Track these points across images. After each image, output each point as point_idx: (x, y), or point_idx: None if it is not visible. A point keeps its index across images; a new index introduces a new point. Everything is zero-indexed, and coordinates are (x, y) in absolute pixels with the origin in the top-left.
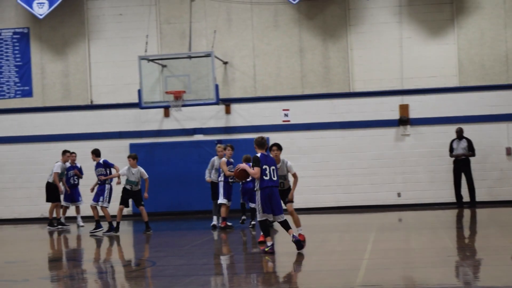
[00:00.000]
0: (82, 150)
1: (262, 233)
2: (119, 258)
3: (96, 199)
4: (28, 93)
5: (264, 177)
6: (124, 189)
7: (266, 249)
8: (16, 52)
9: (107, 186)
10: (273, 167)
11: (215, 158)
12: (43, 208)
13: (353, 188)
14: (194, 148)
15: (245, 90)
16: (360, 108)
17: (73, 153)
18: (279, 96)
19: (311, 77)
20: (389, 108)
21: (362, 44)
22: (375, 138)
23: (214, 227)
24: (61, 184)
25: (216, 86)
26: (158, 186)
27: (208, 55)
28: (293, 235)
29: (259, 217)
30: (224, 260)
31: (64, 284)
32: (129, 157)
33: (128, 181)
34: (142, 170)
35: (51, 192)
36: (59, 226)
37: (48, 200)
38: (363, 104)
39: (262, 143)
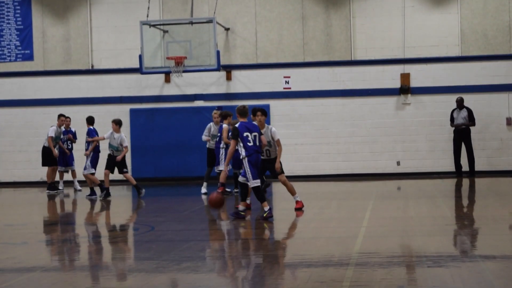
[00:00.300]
0: (82, 115)
1: (241, 200)
2: (118, 223)
3: (84, 167)
4: (29, 57)
5: (248, 143)
6: (109, 154)
7: (264, 215)
8: (18, 15)
9: (92, 154)
10: (255, 133)
11: (211, 124)
12: (43, 172)
13: (353, 156)
14: (195, 114)
15: (247, 56)
16: (361, 76)
17: (68, 117)
18: (281, 63)
19: (313, 45)
20: (390, 77)
21: (365, 12)
22: (376, 106)
23: (206, 194)
24: (57, 148)
25: (218, 52)
26: (158, 152)
27: (210, 21)
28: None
29: (251, 184)
30: (222, 226)
31: (62, 247)
32: (112, 121)
33: (110, 146)
34: (124, 137)
35: (47, 156)
36: (56, 190)
37: (44, 164)
38: (365, 72)
39: (243, 112)
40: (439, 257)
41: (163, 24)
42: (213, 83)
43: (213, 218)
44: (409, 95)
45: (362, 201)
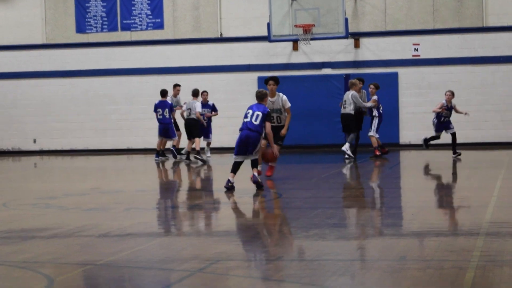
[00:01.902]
0: (211, 83)
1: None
2: (245, 189)
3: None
4: (160, 26)
5: (244, 119)
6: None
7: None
8: None
9: None
10: (258, 113)
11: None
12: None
13: (484, 124)
14: (322, 82)
15: (375, 24)
16: (493, 43)
17: (205, 92)
18: (410, 30)
19: (443, 11)
20: None
21: None
22: (508, 74)
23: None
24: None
25: (346, 20)
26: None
27: None
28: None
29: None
30: (350, 193)
31: (191, 213)
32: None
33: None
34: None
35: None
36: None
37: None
38: (497, 39)
39: (259, 96)
40: None
41: None
42: (341, 50)
43: (342, 186)
44: None
45: (493, 170)
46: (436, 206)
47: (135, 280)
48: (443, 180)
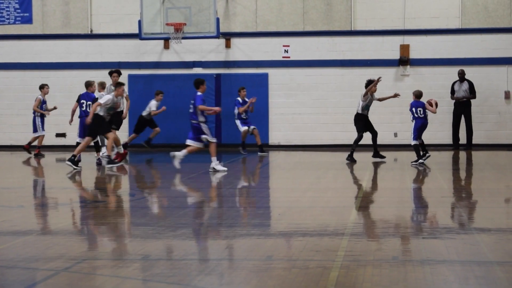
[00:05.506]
0: (81, 79)
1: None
2: (114, 188)
3: None
4: (28, 20)
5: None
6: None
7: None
8: None
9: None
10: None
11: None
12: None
13: (351, 126)
14: (193, 81)
15: (246, 24)
16: (361, 47)
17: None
18: (280, 32)
19: (313, 14)
20: (389, 48)
21: None
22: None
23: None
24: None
25: (217, 20)
26: (155, 118)
27: None
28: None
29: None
30: (219, 193)
31: (58, 211)
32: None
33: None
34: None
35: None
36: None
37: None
38: (364, 43)
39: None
40: (434, 229)
41: None
42: (212, 50)
43: (211, 185)
44: (408, 66)
45: (359, 171)
46: (303, 206)
47: None
48: (309, 180)
